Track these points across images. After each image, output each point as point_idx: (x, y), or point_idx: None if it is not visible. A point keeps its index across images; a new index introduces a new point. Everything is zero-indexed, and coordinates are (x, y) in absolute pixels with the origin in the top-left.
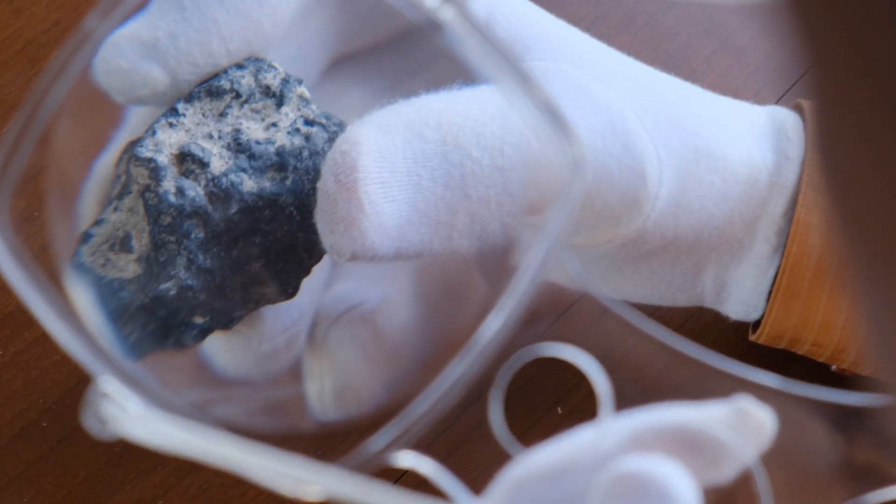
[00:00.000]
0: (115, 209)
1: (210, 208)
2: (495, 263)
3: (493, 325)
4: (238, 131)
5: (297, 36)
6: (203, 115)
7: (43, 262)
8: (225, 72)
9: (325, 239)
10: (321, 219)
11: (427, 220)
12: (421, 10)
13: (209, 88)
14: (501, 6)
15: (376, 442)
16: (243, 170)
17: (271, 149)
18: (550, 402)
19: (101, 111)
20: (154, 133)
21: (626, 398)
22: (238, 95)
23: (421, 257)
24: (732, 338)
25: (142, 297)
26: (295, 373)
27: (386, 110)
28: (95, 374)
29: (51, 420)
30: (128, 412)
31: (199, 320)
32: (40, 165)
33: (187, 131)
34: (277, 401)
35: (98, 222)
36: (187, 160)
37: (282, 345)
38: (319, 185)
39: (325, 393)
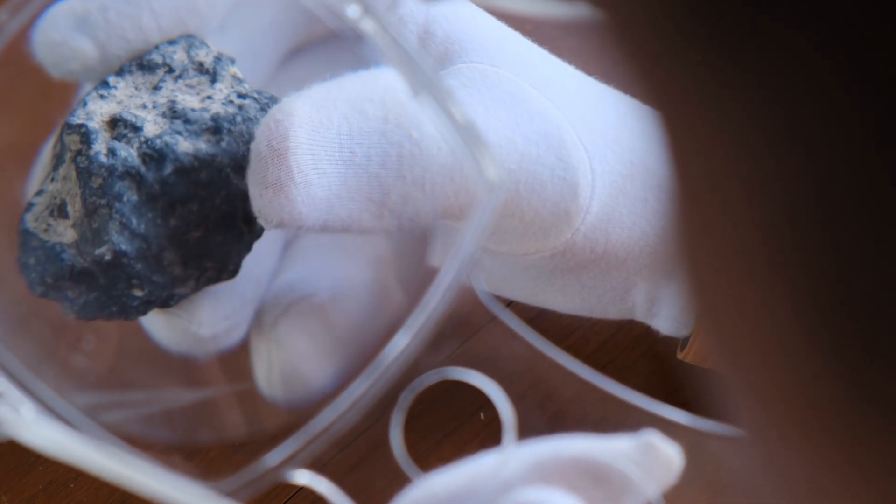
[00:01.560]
0: (52, 179)
1: (143, 169)
2: (411, 270)
3: (399, 345)
4: (174, 101)
5: (249, 24)
6: (136, 88)
7: None
8: (156, 48)
9: (255, 202)
10: (252, 180)
11: (357, 197)
12: (343, 21)
13: (140, 62)
14: (443, 8)
15: (273, 458)
16: (178, 132)
17: (206, 115)
18: (454, 424)
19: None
20: (85, 104)
21: (532, 426)
22: (171, 70)
23: (349, 231)
24: (663, 351)
25: (81, 262)
26: (197, 378)
27: (329, 83)
28: None
29: None
30: (20, 416)
31: (137, 293)
32: None
33: (119, 102)
34: (177, 409)
35: (38, 193)
36: (119, 125)
37: (222, 331)
38: (253, 146)
39: (272, 376)
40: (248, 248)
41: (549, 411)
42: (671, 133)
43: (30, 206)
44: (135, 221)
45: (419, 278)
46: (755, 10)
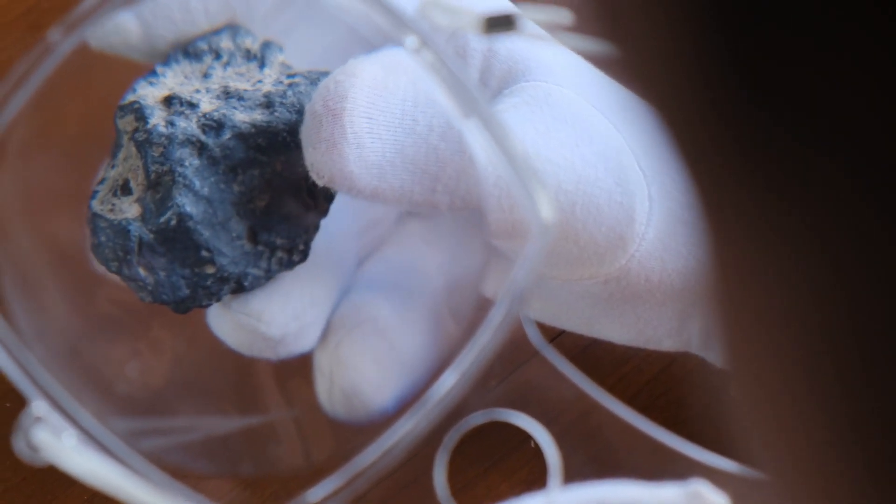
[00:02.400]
0: (112, 166)
1: (203, 136)
2: (463, 301)
3: (447, 383)
4: (226, 86)
5: (304, 48)
6: (185, 77)
7: None
8: (202, 37)
9: (308, 155)
10: (305, 134)
11: (412, 168)
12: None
13: (186, 51)
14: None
15: (315, 493)
16: (234, 108)
17: (258, 93)
18: (502, 452)
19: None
20: (135, 90)
21: (578, 471)
22: (218, 56)
23: (399, 204)
24: (717, 385)
25: (147, 234)
26: (244, 406)
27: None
28: (29, 397)
29: (15, 401)
30: (61, 442)
31: (209, 269)
32: None
33: (170, 89)
34: (218, 438)
35: (101, 182)
36: (175, 103)
37: (292, 333)
38: (308, 107)
39: (333, 394)
40: (315, 228)
41: (595, 456)
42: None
43: (94, 193)
44: (198, 183)
45: (471, 309)
46: (785, 132)
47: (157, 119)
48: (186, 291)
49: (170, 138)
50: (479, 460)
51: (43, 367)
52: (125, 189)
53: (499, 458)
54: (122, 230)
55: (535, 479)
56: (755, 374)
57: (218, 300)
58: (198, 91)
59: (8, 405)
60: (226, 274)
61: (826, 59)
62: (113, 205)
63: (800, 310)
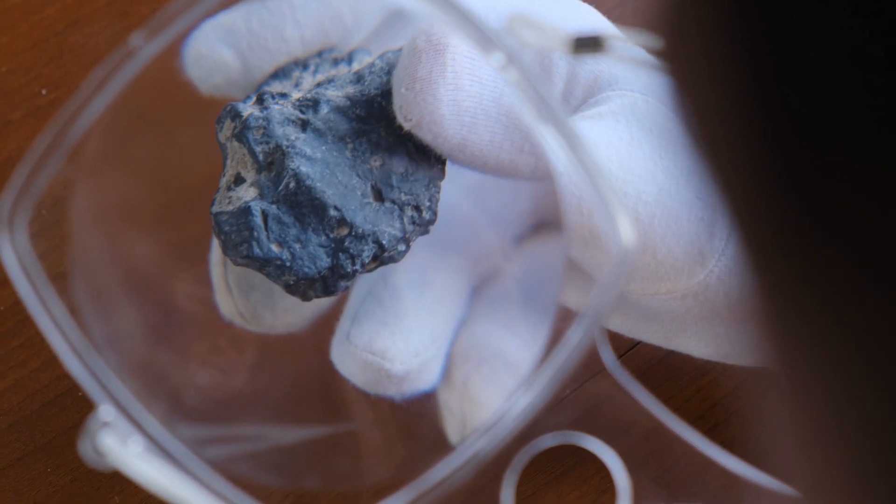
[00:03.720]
0: (223, 175)
1: (301, 114)
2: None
3: (519, 405)
4: (317, 82)
5: None
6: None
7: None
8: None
9: (397, 96)
10: (399, 74)
11: (506, 120)
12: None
13: (274, 73)
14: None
15: None
16: (326, 88)
17: (349, 74)
18: (565, 467)
19: None
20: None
21: (646, 494)
22: (306, 67)
23: (483, 162)
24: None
25: (270, 207)
26: (308, 418)
27: None
28: (97, 401)
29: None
30: (127, 449)
31: (343, 231)
32: (67, 180)
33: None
34: (284, 450)
35: (217, 191)
36: (266, 97)
37: (415, 370)
38: (407, 44)
39: (465, 431)
40: (437, 189)
41: (664, 480)
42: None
43: (213, 201)
44: (308, 150)
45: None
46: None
47: (251, 109)
48: (327, 260)
49: (267, 118)
50: (549, 468)
51: (113, 374)
52: (238, 180)
53: (569, 467)
54: (242, 211)
55: (605, 488)
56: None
57: (362, 265)
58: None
59: (80, 394)
60: (361, 231)
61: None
62: (230, 198)
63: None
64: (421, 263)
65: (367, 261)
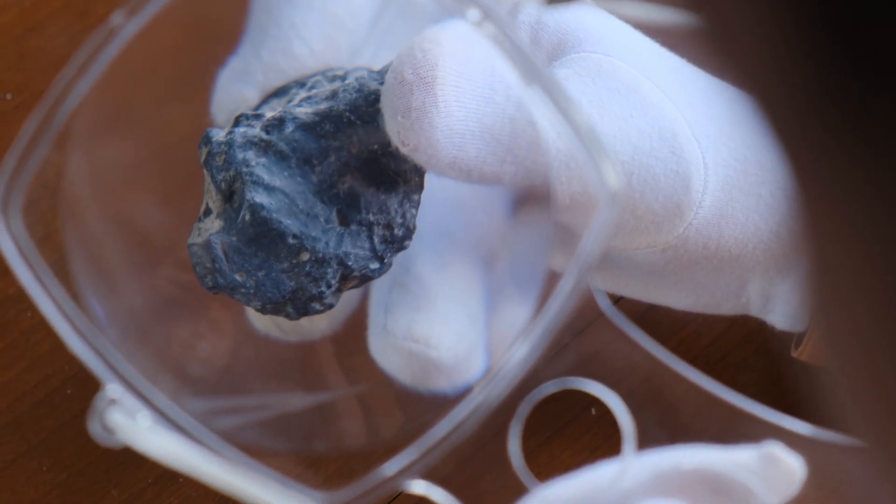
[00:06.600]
0: (201, 206)
1: (265, 134)
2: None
3: (518, 355)
4: (297, 103)
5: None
6: (272, 109)
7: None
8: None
9: (393, 123)
10: (391, 103)
11: (489, 137)
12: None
13: (274, 92)
14: (554, 7)
15: (390, 467)
16: (297, 106)
17: (326, 90)
18: (565, 419)
19: None
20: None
21: (651, 436)
22: (302, 85)
23: (468, 176)
24: (776, 347)
25: (230, 238)
26: (311, 384)
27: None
28: (104, 380)
29: (76, 388)
30: (136, 424)
31: (304, 256)
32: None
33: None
34: (291, 416)
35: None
36: (241, 119)
37: (462, 356)
38: (390, 75)
39: None
40: (412, 203)
41: (668, 421)
42: (796, 176)
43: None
44: (266, 177)
45: (537, 277)
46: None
47: (220, 135)
48: (291, 284)
49: (229, 143)
50: (540, 430)
51: (116, 350)
52: (206, 212)
53: (560, 427)
54: (205, 244)
55: (598, 445)
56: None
57: (328, 287)
58: (274, 109)
59: (69, 392)
60: (321, 255)
61: None
62: (200, 230)
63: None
64: (435, 248)
65: (332, 282)
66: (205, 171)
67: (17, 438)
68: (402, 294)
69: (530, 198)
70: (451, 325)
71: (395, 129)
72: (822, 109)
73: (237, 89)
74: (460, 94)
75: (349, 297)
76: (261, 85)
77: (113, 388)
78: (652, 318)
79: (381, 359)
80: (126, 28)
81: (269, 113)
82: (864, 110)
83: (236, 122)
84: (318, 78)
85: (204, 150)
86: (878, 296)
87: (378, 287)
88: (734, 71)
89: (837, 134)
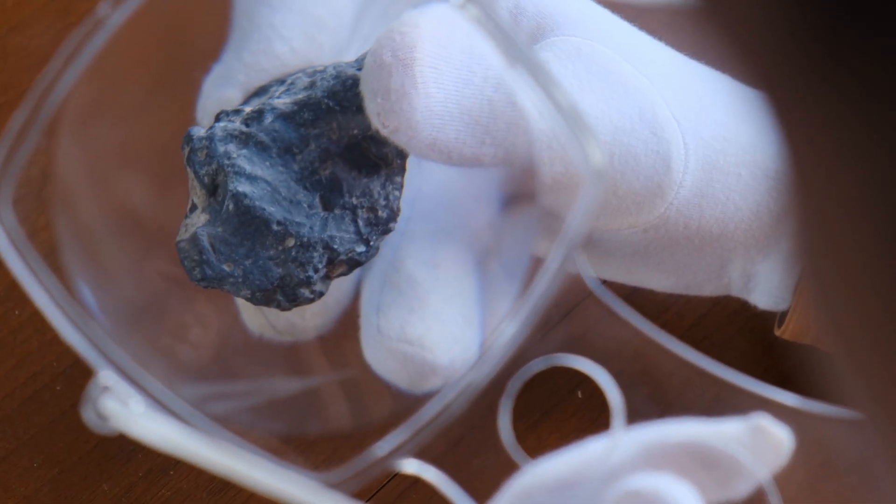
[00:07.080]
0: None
1: (245, 127)
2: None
3: (506, 334)
4: (277, 96)
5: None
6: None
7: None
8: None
9: (373, 105)
10: (370, 86)
11: (467, 118)
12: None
13: (256, 91)
14: None
15: (382, 447)
16: (277, 98)
17: (306, 81)
18: (551, 402)
19: None
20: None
21: (639, 411)
22: (282, 82)
23: (448, 158)
24: (759, 326)
25: (216, 230)
26: (299, 367)
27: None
28: (97, 367)
29: (64, 384)
30: (129, 410)
31: (290, 242)
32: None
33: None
34: (283, 399)
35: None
36: (221, 116)
37: (458, 357)
38: (369, 58)
39: None
40: (395, 185)
41: (656, 396)
42: (784, 125)
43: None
44: (248, 168)
45: (524, 266)
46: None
47: (201, 133)
48: (278, 270)
49: (209, 138)
50: (527, 413)
51: (108, 338)
52: (192, 208)
53: (547, 410)
54: (192, 238)
55: (585, 427)
56: (830, 248)
57: (315, 271)
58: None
59: (58, 388)
60: (306, 240)
61: None
62: (186, 226)
63: (875, 174)
64: (425, 246)
65: (319, 266)
66: (188, 168)
67: (7, 435)
68: (393, 294)
69: (519, 190)
70: (445, 325)
71: (375, 112)
72: (812, 52)
73: (221, 93)
74: (439, 75)
75: (340, 295)
76: (244, 86)
77: (106, 376)
78: (635, 301)
79: (375, 364)
80: (113, 18)
81: (248, 108)
82: (859, 49)
83: (217, 119)
84: (299, 75)
85: (186, 149)
86: (872, 236)
87: (369, 286)
88: (724, 24)
89: (828, 74)
